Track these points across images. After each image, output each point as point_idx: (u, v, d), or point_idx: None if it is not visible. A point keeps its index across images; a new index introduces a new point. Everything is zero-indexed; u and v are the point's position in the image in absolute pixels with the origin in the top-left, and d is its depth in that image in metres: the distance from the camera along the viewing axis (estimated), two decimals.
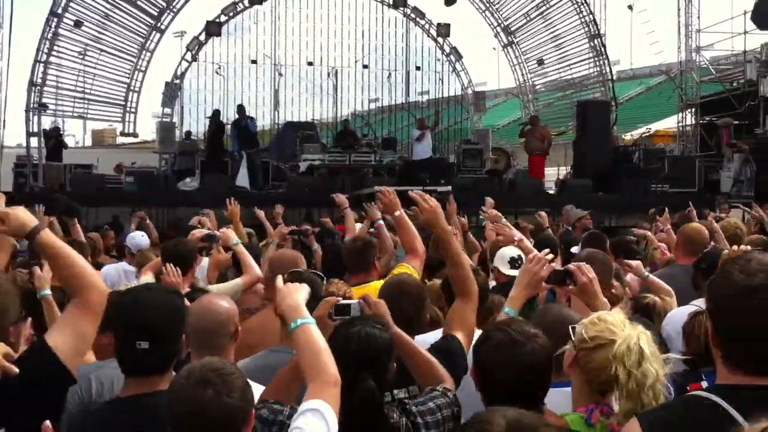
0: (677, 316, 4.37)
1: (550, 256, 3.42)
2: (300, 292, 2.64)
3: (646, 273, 5.25)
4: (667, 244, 7.53)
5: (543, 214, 9.05)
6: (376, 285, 4.40)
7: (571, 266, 3.29)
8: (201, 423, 2.25)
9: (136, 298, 2.86)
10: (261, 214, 9.56)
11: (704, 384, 3.31)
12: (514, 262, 5.07)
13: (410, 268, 4.55)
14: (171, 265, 4.75)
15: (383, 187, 4.97)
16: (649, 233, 8.33)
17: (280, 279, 2.81)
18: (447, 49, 26.67)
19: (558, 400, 2.77)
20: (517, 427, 1.45)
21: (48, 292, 4.11)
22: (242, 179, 17.73)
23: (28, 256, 5.96)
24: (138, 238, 7.93)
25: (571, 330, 2.70)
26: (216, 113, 20.88)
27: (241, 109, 20.29)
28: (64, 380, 2.66)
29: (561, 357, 2.72)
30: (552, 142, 20.45)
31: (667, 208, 9.15)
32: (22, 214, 2.65)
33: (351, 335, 2.76)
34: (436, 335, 3.53)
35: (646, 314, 4.73)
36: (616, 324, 2.63)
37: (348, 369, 2.49)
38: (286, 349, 3.13)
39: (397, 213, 4.75)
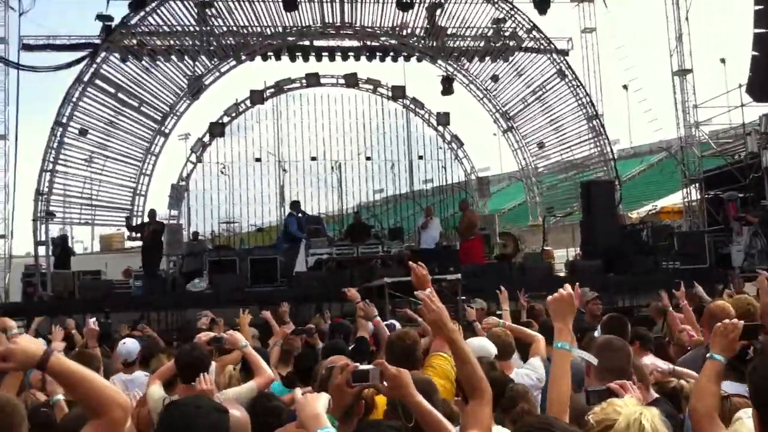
0: None
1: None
2: (320, 401, 2.57)
3: (670, 367, 5.11)
4: (686, 321, 7.35)
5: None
6: None
7: (612, 385, 3.21)
8: None
9: (188, 415, 2.65)
10: (268, 315, 9.39)
11: None
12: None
13: (446, 357, 4.40)
14: (205, 375, 4.61)
15: (414, 265, 4.76)
16: (669, 308, 8.13)
17: (298, 392, 2.77)
18: (448, 137, 27.02)
19: None
20: None
21: (60, 396, 4.02)
22: (300, 265, 18.27)
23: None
24: (121, 347, 7.50)
25: (588, 418, 2.65)
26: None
27: (296, 203, 21.13)
28: None
29: None
30: (478, 224, 20.31)
31: (682, 282, 8.93)
32: (27, 345, 2.53)
33: None
34: None
35: (673, 398, 4.57)
36: (623, 404, 2.60)
37: None
38: None
39: (428, 290, 4.60)
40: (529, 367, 5.65)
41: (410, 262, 4.67)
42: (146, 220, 20.48)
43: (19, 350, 2.51)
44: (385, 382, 2.93)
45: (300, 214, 20.37)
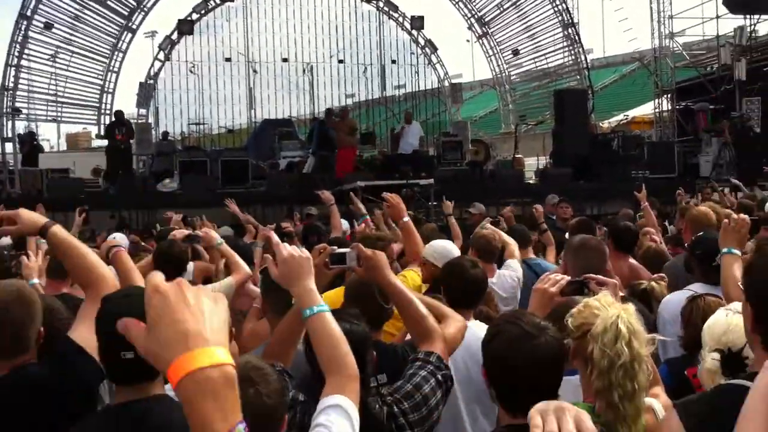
0: (674, 300, 4.31)
1: (564, 278, 3.28)
2: (310, 268, 2.49)
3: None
4: (649, 225, 7.44)
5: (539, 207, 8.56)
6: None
7: (590, 276, 3.21)
8: None
9: (116, 307, 2.53)
10: (249, 217, 9.23)
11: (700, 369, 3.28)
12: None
13: (417, 273, 4.47)
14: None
15: (388, 194, 4.81)
16: (645, 202, 8.10)
17: (273, 235, 2.76)
18: (422, 41, 26.63)
19: (567, 389, 2.70)
20: None
21: (36, 280, 4.11)
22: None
23: (11, 249, 5.94)
24: (120, 238, 7.34)
25: (567, 322, 2.65)
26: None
27: (329, 111, 20.38)
28: (96, 373, 2.62)
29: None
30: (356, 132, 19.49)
31: (644, 184, 9.05)
32: (30, 213, 2.81)
33: None
34: None
35: (644, 299, 4.66)
36: (600, 306, 2.54)
37: None
38: None
39: (405, 219, 4.65)
40: (510, 269, 5.72)
41: (384, 193, 4.75)
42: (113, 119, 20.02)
43: (24, 215, 2.78)
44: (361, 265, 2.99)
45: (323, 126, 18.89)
